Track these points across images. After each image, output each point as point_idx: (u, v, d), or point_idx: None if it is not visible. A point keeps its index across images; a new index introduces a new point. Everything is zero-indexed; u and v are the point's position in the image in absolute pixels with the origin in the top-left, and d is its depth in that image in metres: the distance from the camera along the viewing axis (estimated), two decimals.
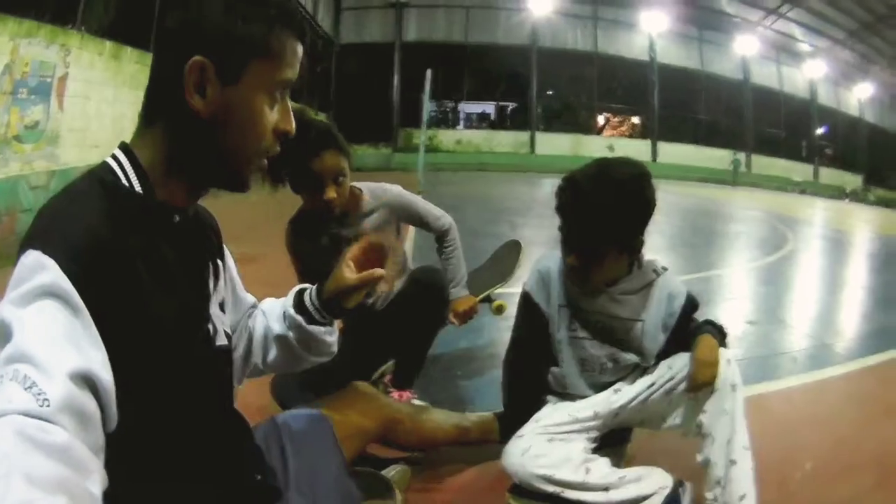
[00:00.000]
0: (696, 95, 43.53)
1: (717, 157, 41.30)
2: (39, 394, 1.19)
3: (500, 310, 4.70)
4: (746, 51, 43.33)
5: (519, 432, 3.10)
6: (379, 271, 2.12)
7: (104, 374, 1.33)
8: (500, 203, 19.89)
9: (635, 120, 44.65)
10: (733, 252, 13.43)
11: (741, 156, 40.84)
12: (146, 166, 1.65)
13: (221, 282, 2.00)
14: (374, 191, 4.15)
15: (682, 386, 2.94)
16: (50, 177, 10.61)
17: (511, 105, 43.40)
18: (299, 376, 3.53)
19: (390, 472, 3.12)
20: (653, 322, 3.11)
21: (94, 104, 11.96)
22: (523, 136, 41.53)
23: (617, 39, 42.42)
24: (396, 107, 39.23)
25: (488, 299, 4.71)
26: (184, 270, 1.71)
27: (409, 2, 40.81)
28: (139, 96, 1.69)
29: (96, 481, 1.24)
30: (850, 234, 19.10)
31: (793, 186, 40.28)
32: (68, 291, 1.33)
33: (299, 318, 2.19)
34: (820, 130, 46.18)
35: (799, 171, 43.64)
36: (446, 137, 40.34)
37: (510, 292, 4.54)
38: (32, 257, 1.36)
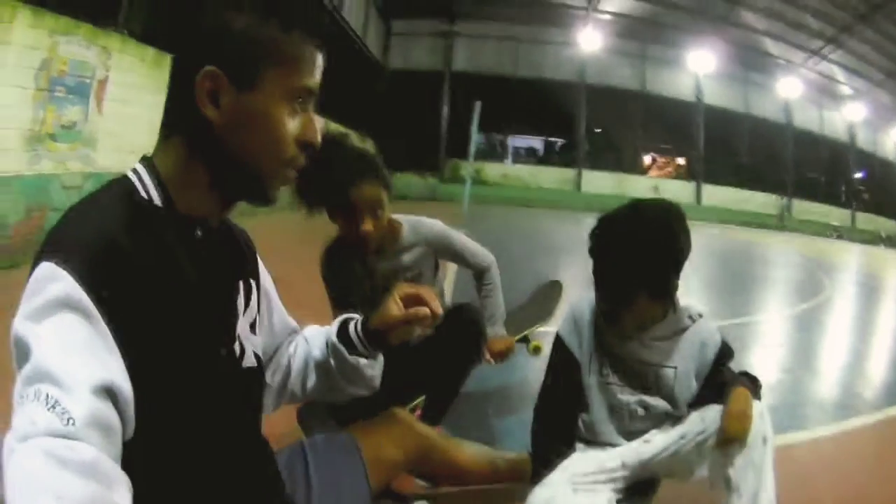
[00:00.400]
0: (740, 138, 43.09)
1: (758, 201, 40.87)
2: (63, 413, 1.23)
3: (536, 351, 4.63)
4: (789, 93, 42.91)
5: (544, 480, 2.94)
6: (424, 310, 2.10)
7: (123, 382, 1.37)
8: (544, 240, 19.94)
9: (680, 161, 44.28)
10: (770, 298, 13.43)
11: (784, 200, 40.37)
12: (166, 178, 1.66)
13: (254, 302, 1.98)
14: (414, 225, 4.05)
15: (713, 439, 2.80)
16: (85, 178, 10.51)
17: (559, 141, 43.00)
18: (328, 404, 3.48)
19: None
20: (685, 369, 3.03)
21: (134, 109, 11.80)
22: (569, 172, 41.23)
23: (664, 78, 42.19)
24: (444, 136, 38.90)
25: (525, 339, 4.61)
26: (206, 286, 1.70)
27: (459, 31, 40.66)
28: None
29: (124, 494, 1.29)
30: (886, 280, 18.97)
31: (830, 231, 39.85)
32: (82, 301, 1.36)
33: (342, 348, 2.19)
34: (858, 175, 45.61)
35: (836, 215, 43.01)
36: (493, 170, 40.12)
37: (549, 331, 4.24)
38: (45, 268, 1.39)
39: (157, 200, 1.63)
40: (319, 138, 1.77)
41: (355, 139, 3.85)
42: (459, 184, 25.81)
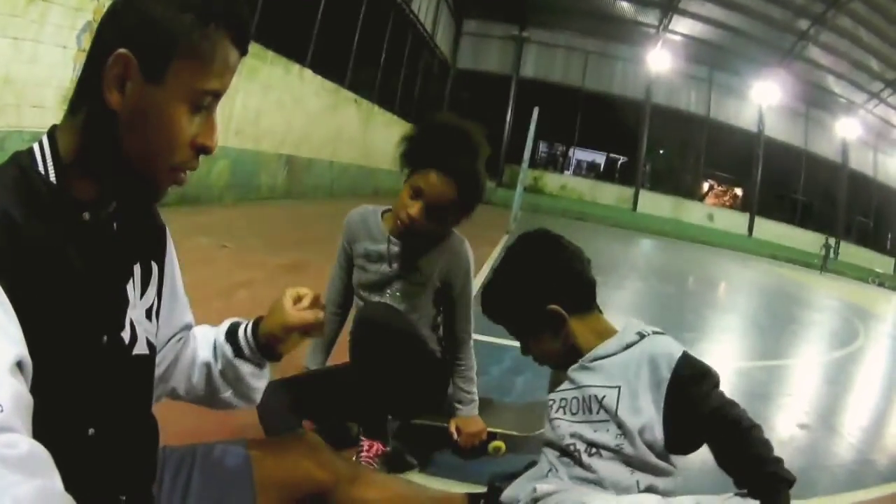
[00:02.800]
0: (796, 174, 43.05)
1: (807, 240, 40.58)
2: None
3: (497, 451, 4.11)
4: (848, 133, 42.74)
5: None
6: (319, 314, 2.06)
7: (25, 350, 1.32)
8: (594, 257, 19.58)
9: (738, 191, 44.06)
10: (801, 342, 13.05)
11: (832, 242, 39.94)
12: (64, 156, 1.58)
13: (153, 288, 1.90)
14: (458, 245, 3.91)
15: None
16: None
17: (621, 159, 43.35)
18: (291, 402, 3.41)
19: None
20: (631, 389, 2.49)
21: None
22: (627, 191, 41.57)
23: (728, 106, 42.34)
24: (506, 141, 38.98)
25: (494, 436, 4.15)
26: (90, 272, 1.61)
27: (530, 37, 40.87)
28: None
29: (58, 476, 1.24)
30: None
31: (873, 278, 39.56)
32: None
33: (229, 348, 2.13)
34: None
35: (880, 263, 42.78)
36: (552, 181, 40.57)
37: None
38: None
39: (51, 177, 1.55)
40: (216, 144, 1.66)
41: (481, 136, 3.80)
42: (514, 190, 25.64)
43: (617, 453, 2.46)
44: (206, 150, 1.64)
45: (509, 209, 22.23)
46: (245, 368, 2.14)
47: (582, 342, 2.68)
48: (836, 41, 38.23)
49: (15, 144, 8.72)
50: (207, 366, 2.16)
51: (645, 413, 2.45)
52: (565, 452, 2.60)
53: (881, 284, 38.91)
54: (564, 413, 2.66)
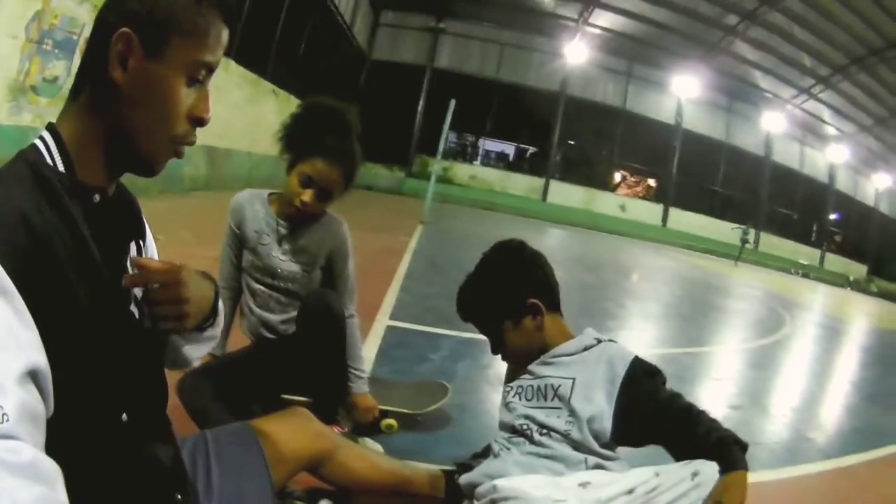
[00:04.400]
0: (716, 166, 43.86)
1: (726, 231, 40.87)
2: None
3: (389, 428, 4.34)
4: (772, 127, 43.63)
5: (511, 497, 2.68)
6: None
7: (42, 360, 1.29)
8: None
9: (651, 182, 44.63)
10: (727, 330, 13.20)
11: (752, 232, 40.35)
12: (69, 143, 1.63)
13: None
14: (335, 221, 4.14)
15: (671, 495, 2.40)
16: None
17: (531, 149, 43.56)
18: (213, 385, 3.54)
19: None
20: (586, 381, 2.88)
21: None
22: (538, 181, 41.77)
23: (646, 99, 42.92)
24: (417, 131, 39.37)
25: (386, 414, 4.38)
26: (103, 251, 1.65)
27: (446, 28, 41.12)
28: None
29: (62, 489, 1.21)
30: (847, 324, 19.01)
31: (797, 269, 40.18)
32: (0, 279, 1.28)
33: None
34: (833, 216, 46.41)
35: (805, 254, 43.68)
36: (462, 171, 40.63)
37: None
38: None
39: (60, 167, 1.60)
40: (210, 115, 1.74)
41: (355, 116, 4.01)
42: (426, 180, 25.89)
43: (566, 437, 2.79)
44: (201, 122, 1.73)
45: (419, 199, 22.60)
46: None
47: (549, 339, 3.10)
48: (766, 37, 38.83)
49: None
50: None
51: (597, 403, 2.79)
52: (518, 432, 2.96)
53: (805, 275, 39.75)
54: (520, 399, 3.04)
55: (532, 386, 3.02)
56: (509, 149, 44.36)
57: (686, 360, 8.67)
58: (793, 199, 45.80)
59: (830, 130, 45.75)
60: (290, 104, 26.07)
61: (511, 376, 3.23)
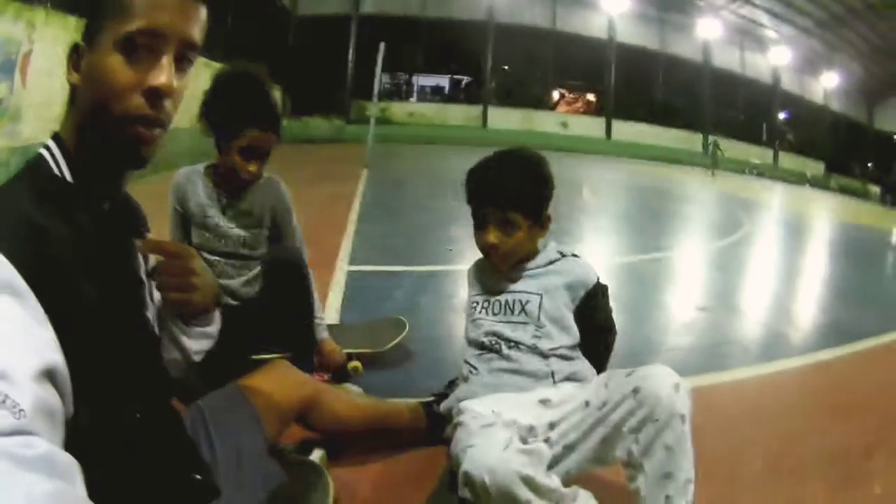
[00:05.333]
0: (654, 76, 43.95)
1: (671, 137, 41.72)
2: (14, 406, 1.10)
3: (355, 370, 4.34)
4: (708, 34, 43.68)
5: (480, 421, 2.67)
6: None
7: (59, 357, 1.26)
8: (448, 176, 19.64)
9: (590, 97, 44.79)
10: (684, 234, 13.33)
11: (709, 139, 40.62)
12: (73, 153, 1.67)
13: (148, 268, 1.96)
14: (275, 182, 4.26)
15: (618, 414, 2.53)
16: (10, 154, 10.58)
17: (465, 79, 43.61)
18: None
19: (308, 453, 2.96)
20: (551, 299, 3.07)
21: (59, 79, 11.78)
22: (476, 110, 41.78)
23: (575, 17, 42.70)
24: (350, 79, 39.27)
25: (350, 357, 4.42)
26: (115, 258, 1.72)
27: None
28: None
29: (81, 484, 1.15)
30: (808, 221, 19.18)
31: (750, 169, 40.47)
32: (12, 279, 1.27)
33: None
34: (782, 115, 46.76)
35: (757, 154, 44.07)
36: (399, 110, 40.53)
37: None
38: None
39: (67, 176, 1.65)
40: (164, 80, 1.63)
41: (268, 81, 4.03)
42: (366, 124, 25.54)
43: (533, 350, 2.98)
44: (156, 92, 1.63)
45: (360, 144, 22.49)
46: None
47: (533, 250, 3.18)
48: None
49: None
50: None
51: (562, 319, 3.04)
52: (486, 348, 3.08)
53: (760, 174, 40.01)
54: (487, 314, 3.15)
55: (500, 301, 3.13)
56: (444, 81, 44.33)
57: (646, 266, 8.81)
58: (737, 101, 46.08)
59: (770, 34, 45.84)
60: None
61: (475, 281, 3.30)
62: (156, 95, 1.64)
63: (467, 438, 2.57)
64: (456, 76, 43.57)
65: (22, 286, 1.28)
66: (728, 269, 9.59)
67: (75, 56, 1.65)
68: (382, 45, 21.03)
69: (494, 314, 3.12)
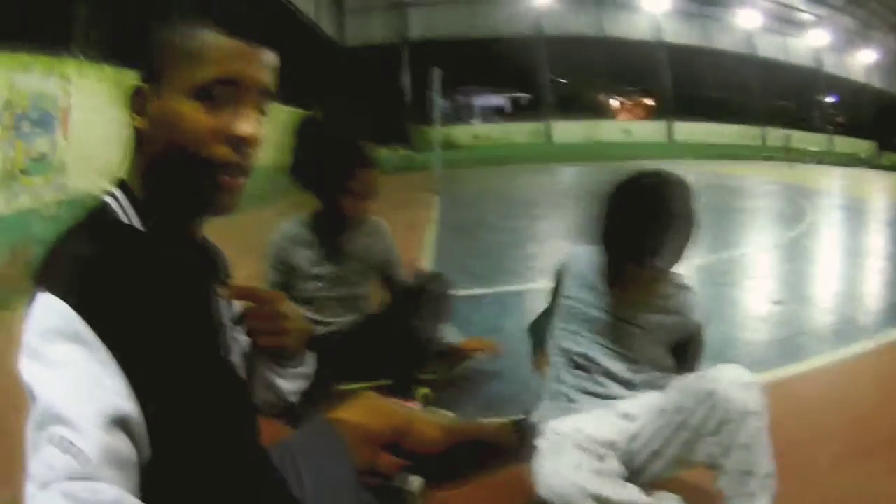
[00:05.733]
0: (704, 72, 43.00)
1: (730, 133, 41.01)
2: (79, 453, 1.19)
3: (425, 398, 4.27)
4: (749, 24, 43.15)
5: (555, 443, 2.77)
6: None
7: (131, 407, 1.33)
8: (518, 195, 19.81)
9: (648, 101, 44.33)
10: (753, 229, 13.30)
11: (781, 133, 40.25)
12: (142, 199, 1.63)
13: (231, 313, 1.91)
14: (381, 222, 4.40)
15: (696, 418, 2.55)
16: (60, 207, 10.42)
17: (524, 96, 42.98)
18: None
19: (405, 483, 2.83)
20: (656, 335, 3.04)
21: (101, 129, 10.88)
22: (539, 126, 41.25)
23: (621, 21, 42.30)
24: (409, 106, 38.82)
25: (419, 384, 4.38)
26: (193, 304, 1.68)
27: (410, 1, 40.77)
28: None
29: None
30: (868, 203, 18.86)
31: (809, 157, 39.89)
32: (79, 330, 1.32)
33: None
34: (829, 99, 45.89)
35: (812, 141, 42.94)
36: (462, 133, 39.86)
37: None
38: (39, 301, 1.37)
39: (136, 223, 1.60)
40: (251, 131, 1.62)
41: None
42: (430, 151, 25.32)
43: (626, 383, 2.97)
44: (241, 140, 1.61)
45: (427, 171, 22.25)
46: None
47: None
48: None
49: None
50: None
51: (660, 355, 3.05)
52: (578, 366, 3.04)
53: (819, 162, 39.15)
54: (586, 330, 3.05)
55: (601, 321, 3.02)
56: (503, 101, 43.62)
57: (718, 266, 8.74)
58: (786, 89, 45.04)
59: (806, 17, 45.11)
60: (279, 111, 26.54)
61: (582, 286, 3.13)
62: (242, 144, 1.62)
63: (541, 462, 2.73)
64: (514, 94, 43.01)
65: (89, 336, 1.33)
66: (797, 260, 9.66)
67: (138, 99, 1.62)
68: (437, 71, 20.84)
69: (594, 333, 3.03)
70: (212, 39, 1.59)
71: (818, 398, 4.47)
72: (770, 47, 44.39)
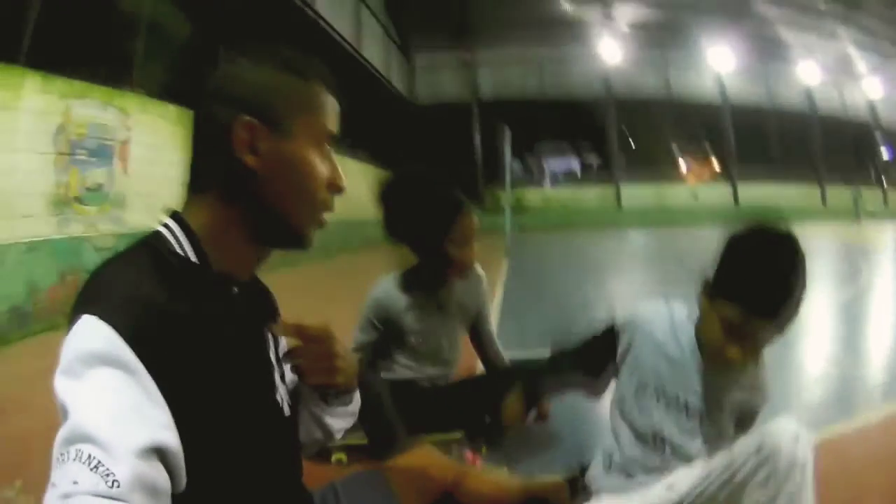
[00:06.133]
0: (768, 132, 43.12)
1: (792, 194, 40.79)
2: (108, 474, 1.19)
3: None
4: (809, 79, 43.18)
5: None
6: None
7: (171, 437, 1.33)
8: (590, 262, 20.02)
9: (714, 162, 44.32)
10: (810, 289, 12.96)
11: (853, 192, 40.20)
12: (199, 234, 1.64)
13: (281, 352, 1.94)
14: (478, 270, 4.41)
15: (744, 472, 2.40)
16: (118, 239, 10.88)
17: (594, 159, 42.99)
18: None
19: None
20: (731, 416, 2.89)
21: (161, 168, 12.13)
22: (609, 190, 41.43)
23: (688, 81, 42.50)
24: (480, 166, 38.91)
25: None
26: (244, 341, 1.71)
27: (480, 59, 41.12)
28: None
29: None
30: None
31: (866, 214, 39.57)
32: (124, 355, 1.32)
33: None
34: (887, 154, 45.65)
35: (868, 196, 42.66)
36: (533, 196, 40.27)
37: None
38: (85, 321, 1.36)
39: (192, 257, 1.62)
40: (345, 182, 1.79)
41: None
42: (500, 213, 25.04)
43: (689, 460, 2.76)
44: (339, 189, 1.78)
45: (499, 233, 21.95)
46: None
47: None
48: None
49: (15, 257, 9.00)
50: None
51: (724, 434, 2.85)
52: (645, 441, 2.89)
53: (874, 216, 38.95)
54: (656, 400, 2.89)
55: (677, 397, 2.86)
56: (573, 163, 43.65)
57: None
58: (844, 144, 44.47)
59: (860, 68, 45.01)
60: (344, 163, 26.56)
61: (658, 344, 2.93)
62: (339, 192, 1.78)
63: None
64: (584, 155, 42.88)
65: (133, 362, 1.32)
66: (853, 320, 9.81)
67: (247, 135, 1.62)
68: (507, 130, 21.11)
69: (666, 405, 2.86)
70: (331, 101, 1.78)
71: (868, 455, 4.34)
72: (829, 103, 44.32)
